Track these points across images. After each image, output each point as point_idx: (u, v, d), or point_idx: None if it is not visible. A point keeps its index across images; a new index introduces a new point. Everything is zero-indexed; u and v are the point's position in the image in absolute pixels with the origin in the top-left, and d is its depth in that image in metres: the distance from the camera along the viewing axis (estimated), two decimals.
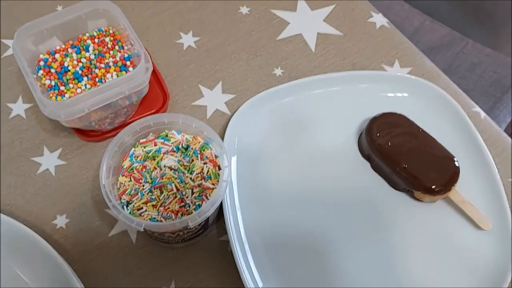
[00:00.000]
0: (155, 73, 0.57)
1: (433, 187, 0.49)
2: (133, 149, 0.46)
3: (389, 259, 0.49)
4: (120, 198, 0.44)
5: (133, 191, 0.44)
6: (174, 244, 0.48)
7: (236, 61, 0.60)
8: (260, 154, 0.54)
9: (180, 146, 0.46)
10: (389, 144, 0.51)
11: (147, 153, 0.45)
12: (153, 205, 0.44)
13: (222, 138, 0.52)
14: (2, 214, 0.47)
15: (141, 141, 0.46)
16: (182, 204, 0.44)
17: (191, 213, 0.43)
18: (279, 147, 0.54)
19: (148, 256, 0.49)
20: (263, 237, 0.49)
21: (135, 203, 0.43)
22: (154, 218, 0.43)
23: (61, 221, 0.50)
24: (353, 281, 0.48)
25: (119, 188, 0.45)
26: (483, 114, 0.58)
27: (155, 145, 0.46)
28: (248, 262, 0.47)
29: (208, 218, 0.45)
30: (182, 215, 0.43)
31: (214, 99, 0.58)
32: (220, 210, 0.49)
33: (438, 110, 0.55)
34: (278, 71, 0.60)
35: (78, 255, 0.49)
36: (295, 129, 0.55)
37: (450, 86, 0.59)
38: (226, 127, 0.53)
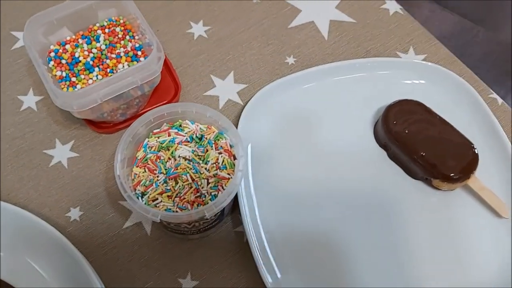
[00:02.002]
0: (166, 64, 0.56)
1: (452, 175, 0.48)
2: (146, 139, 0.45)
3: (407, 248, 0.48)
4: (135, 189, 0.43)
5: (147, 182, 0.43)
6: (190, 235, 0.48)
7: (248, 50, 0.59)
8: (275, 144, 0.53)
9: (194, 136, 0.45)
10: (406, 131, 0.50)
11: (161, 143, 0.45)
12: (168, 196, 0.43)
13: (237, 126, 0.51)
14: (16, 207, 0.46)
15: (154, 131, 0.46)
16: (198, 194, 0.43)
17: (207, 203, 0.42)
18: (293, 137, 0.53)
19: (163, 247, 0.49)
20: (279, 227, 0.48)
21: (150, 194, 0.43)
22: (170, 209, 0.42)
23: (74, 213, 0.50)
24: (371, 271, 0.47)
25: (133, 179, 0.44)
26: (500, 100, 0.57)
27: (168, 135, 0.45)
28: (266, 252, 0.46)
29: (224, 208, 0.44)
30: (198, 205, 0.42)
31: (226, 89, 0.57)
32: (235, 200, 0.48)
33: (456, 96, 0.54)
34: (290, 60, 0.59)
35: (92, 247, 0.49)
36: (309, 118, 0.54)
37: (466, 73, 0.58)
38: (239, 117, 0.52)
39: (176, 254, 0.49)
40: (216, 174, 0.43)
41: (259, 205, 0.49)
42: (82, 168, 0.52)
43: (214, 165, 0.44)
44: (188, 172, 0.43)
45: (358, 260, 0.47)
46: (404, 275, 0.47)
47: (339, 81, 0.56)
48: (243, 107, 0.54)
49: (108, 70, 0.51)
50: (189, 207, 0.42)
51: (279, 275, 0.46)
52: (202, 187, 0.43)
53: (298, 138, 0.53)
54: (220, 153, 0.44)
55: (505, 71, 1.37)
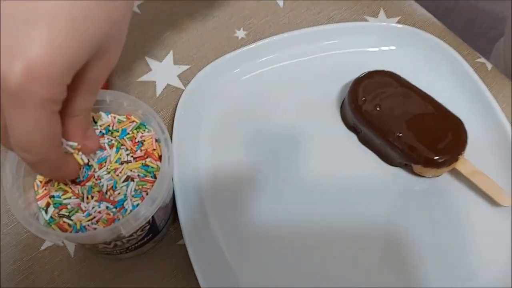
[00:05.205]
0: None
1: (436, 158, 0.40)
2: None
3: (390, 246, 0.39)
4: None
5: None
6: (120, 255, 0.39)
7: (189, 25, 0.50)
8: (223, 132, 0.44)
9: (111, 129, 0.36)
10: (378, 109, 0.41)
11: None
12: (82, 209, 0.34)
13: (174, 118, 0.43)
14: None
15: None
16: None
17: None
18: (245, 122, 0.45)
19: (90, 271, 0.40)
20: (231, 235, 0.40)
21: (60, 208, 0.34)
22: (84, 226, 0.33)
23: None
24: (345, 270, 0.38)
25: (36, 191, 0.35)
26: (489, 65, 0.48)
27: None
28: (212, 267, 0.38)
29: (153, 220, 0.35)
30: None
31: (164, 72, 0.48)
32: (175, 208, 0.39)
33: (435, 63, 0.46)
34: (240, 33, 0.50)
35: (4, 275, 0.40)
36: (263, 100, 0.46)
37: (448, 35, 0.50)
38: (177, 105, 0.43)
39: (106, 277, 0.40)
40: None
41: (202, 210, 0.40)
42: None
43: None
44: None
45: (329, 264, 0.39)
46: (389, 273, 0.38)
47: (297, 54, 0.47)
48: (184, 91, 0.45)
49: None
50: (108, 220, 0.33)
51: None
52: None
53: (250, 125, 0.44)
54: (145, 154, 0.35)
55: (491, 38, 1.28)
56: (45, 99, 0.23)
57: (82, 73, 0.25)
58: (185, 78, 0.48)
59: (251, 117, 0.45)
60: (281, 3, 0.51)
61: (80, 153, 0.31)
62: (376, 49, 0.47)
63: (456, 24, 1.43)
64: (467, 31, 1.36)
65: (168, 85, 0.47)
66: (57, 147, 0.27)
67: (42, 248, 0.41)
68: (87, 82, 0.26)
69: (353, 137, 0.44)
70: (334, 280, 0.38)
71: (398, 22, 0.50)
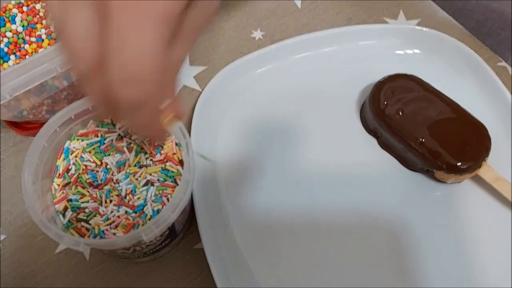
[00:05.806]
0: None
1: (459, 164, 0.39)
2: (68, 142, 0.35)
3: (407, 253, 0.39)
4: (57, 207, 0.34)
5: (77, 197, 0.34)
6: (137, 259, 0.38)
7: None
8: (241, 134, 0.43)
9: (130, 131, 0.35)
10: (400, 113, 0.40)
11: (87, 146, 0.35)
12: (101, 213, 0.33)
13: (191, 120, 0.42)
14: None
15: (80, 132, 0.36)
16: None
17: (149, 220, 0.33)
18: (263, 124, 0.44)
19: (106, 275, 0.39)
20: (248, 234, 0.39)
21: (78, 212, 0.33)
22: (102, 231, 0.33)
23: None
24: (363, 278, 0.38)
25: (54, 194, 0.34)
26: (510, 69, 0.47)
27: (96, 136, 0.35)
28: (230, 273, 0.37)
29: (173, 225, 0.34)
30: (137, 224, 0.33)
31: (180, 73, 0.47)
32: (192, 211, 0.39)
33: (458, 67, 0.45)
34: (257, 34, 0.49)
35: (18, 279, 0.39)
36: (282, 102, 0.45)
37: (469, 38, 0.49)
38: (194, 107, 0.43)
39: (122, 281, 0.39)
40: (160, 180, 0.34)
41: (220, 212, 0.39)
42: (4, 180, 0.42)
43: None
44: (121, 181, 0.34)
45: (347, 264, 0.38)
46: (405, 282, 0.38)
47: (317, 56, 0.47)
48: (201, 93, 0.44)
49: (27, 57, 0.41)
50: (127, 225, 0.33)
51: None
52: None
53: (269, 126, 0.44)
54: (166, 159, 0.35)
55: (501, 40, 1.27)
56: (166, 14, 0.20)
57: (182, 17, 0.22)
58: (202, 79, 0.47)
59: (269, 119, 0.44)
60: (299, 3, 0.51)
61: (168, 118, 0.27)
62: (401, 52, 0.46)
63: (467, 24, 1.42)
64: (477, 31, 1.34)
65: (184, 86, 0.47)
66: (161, 86, 0.23)
67: (57, 251, 0.40)
68: (187, 27, 0.23)
69: (373, 141, 0.43)
70: (353, 278, 0.37)
71: (418, 24, 0.49)
